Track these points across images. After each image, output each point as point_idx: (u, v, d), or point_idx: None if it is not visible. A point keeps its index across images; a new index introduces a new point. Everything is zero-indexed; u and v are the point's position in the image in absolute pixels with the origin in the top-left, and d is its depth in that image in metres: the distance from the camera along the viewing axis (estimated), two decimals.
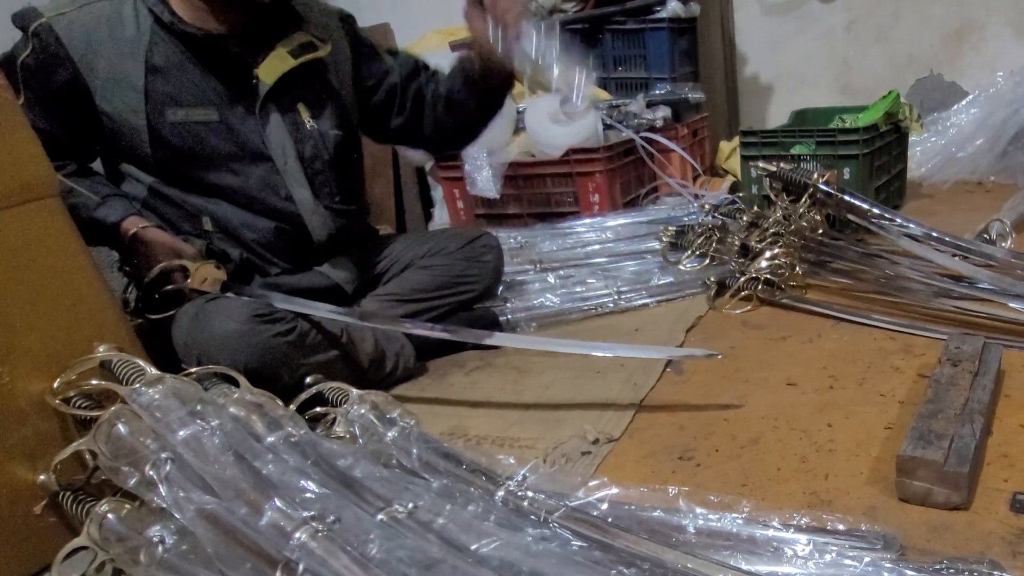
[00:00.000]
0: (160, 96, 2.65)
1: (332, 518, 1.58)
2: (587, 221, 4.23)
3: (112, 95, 2.62)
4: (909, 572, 1.56)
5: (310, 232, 2.93)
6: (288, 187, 2.83)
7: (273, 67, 2.78)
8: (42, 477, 1.90)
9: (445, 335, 2.83)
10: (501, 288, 3.49)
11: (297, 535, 1.50)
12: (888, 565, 1.59)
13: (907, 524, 1.82)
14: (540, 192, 4.55)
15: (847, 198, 3.48)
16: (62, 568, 1.80)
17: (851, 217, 3.50)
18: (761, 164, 3.78)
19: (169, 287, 2.64)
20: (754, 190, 4.16)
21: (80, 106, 2.64)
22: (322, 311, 2.70)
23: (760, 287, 3.38)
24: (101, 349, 2.01)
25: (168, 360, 2.46)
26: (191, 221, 2.78)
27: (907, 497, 1.90)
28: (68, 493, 1.92)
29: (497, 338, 2.80)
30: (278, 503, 1.58)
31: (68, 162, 2.70)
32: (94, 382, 1.95)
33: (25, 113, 2.09)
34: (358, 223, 3.20)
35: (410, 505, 1.73)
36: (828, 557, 1.63)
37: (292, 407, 2.13)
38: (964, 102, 5.54)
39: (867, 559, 1.61)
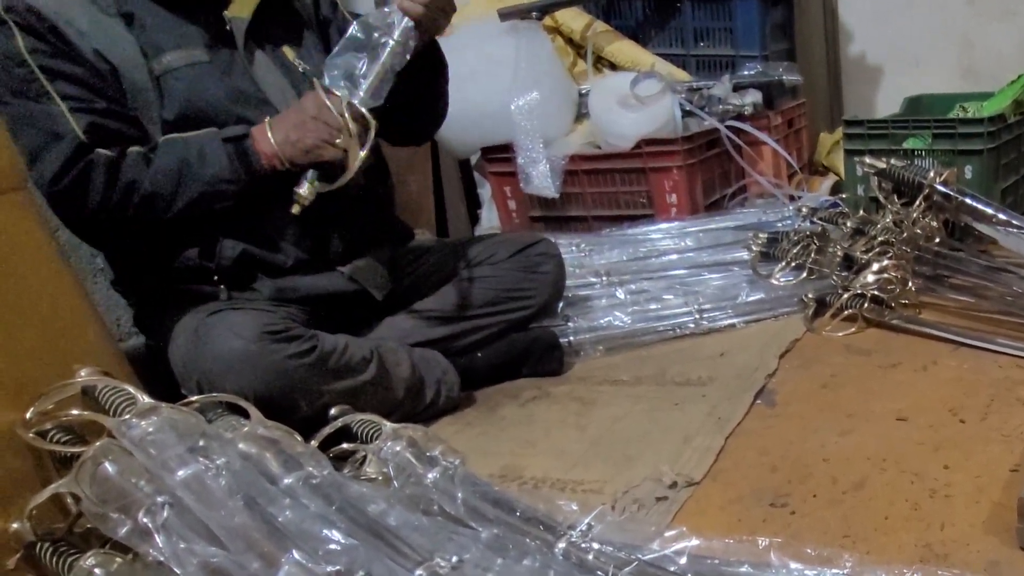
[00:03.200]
0: (147, 47, 2.62)
1: (361, 574, 1.60)
2: (663, 226, 4.21)
3: (111, 48, 2.57)
4: None
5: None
6: None
7: (243, 2, 2.76)
8: (15, 525, 1.83)
9: None
10: (562, 305, 3.48)
11: None
12: None
13: None
14: (607, 191, 4.52)
15: (968, 201, 3.49)
16: None
17: (973, 224, 3.52)
18: (868, 160, 3.81)
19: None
20: (860, 191, 4.17)
21: (107, 75, 2.59)
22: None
23: (866, 305, 3.37)
24: (83, 373, 1.94)
25: (167, 388, 2.46)
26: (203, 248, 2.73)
27: None
28: (47, 544, 1.85)
29: None
30: (296, 556, 1.58)
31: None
32: (75, 412, 1.90)
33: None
34: (383, 212, 3.17)
35: (454, 559, 1.73)
36: None
37: (313, 443, 2.14)
38: None
39: None
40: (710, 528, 2.11)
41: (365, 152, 2.58)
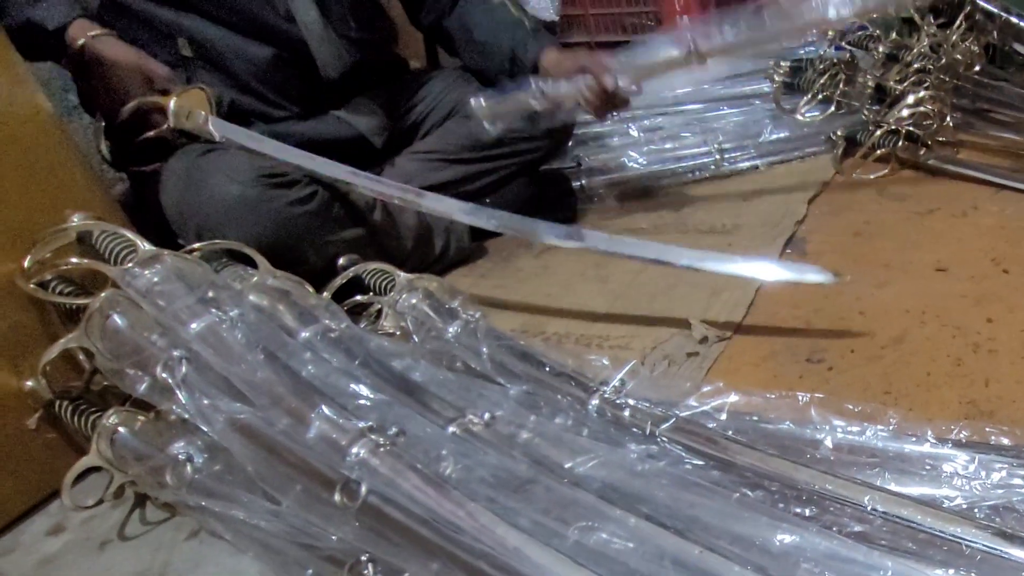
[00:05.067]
0: None
1: (394, 430, 1.67)
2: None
3: None
4: None
5: (318, 66, 2.92)
6: (288, 1, 2.80)
7: None
8: (30, 383, 1.98)
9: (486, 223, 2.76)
10: (571, 144, 3.54)
11: (355, 450, 1.59)
12: None
13: None
14: (611, 12, 4.53)
15: (1015, 20, 3.51)
16: (73, 493, 1.93)
17: (1019, 48, 3.54)
18: None
19: (149, 134, 2.61)
20: (893, 12, 3.99)
21: None
22: (330, 171, 2.66)
23: (900, 144, 3.41)
24: (76, 218, 2.03)
25: (161, 233, 2.48)
26: (163, 44, 2.73)
27: None
28: (65, 402, 2.00)
29: (591, 238, 2.73)
30: (327, 411, 1.67)
31: None
32: (74, 261, 1.99)
33: None
34: (381, 57, 3.21)
35: (487, 415, 1.83)
36: (996, 477, 1.75)
37: (326, 294, 2.22)
38: None
39: None
40: (745, 385, 2.17)
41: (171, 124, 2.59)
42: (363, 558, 1.57)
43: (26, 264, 1.95)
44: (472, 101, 2.91)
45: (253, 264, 2.20)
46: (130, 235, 1.99)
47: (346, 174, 2.66)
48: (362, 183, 2.70)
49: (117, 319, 1.86)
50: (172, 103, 2.55)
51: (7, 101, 1.99)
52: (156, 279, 1.88)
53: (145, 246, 1.96)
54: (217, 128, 2.60)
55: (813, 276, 2.51)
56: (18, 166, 1.99)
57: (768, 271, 2.62)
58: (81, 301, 1.93)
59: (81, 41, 2.48)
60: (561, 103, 2.84)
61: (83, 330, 1.87)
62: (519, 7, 3.18)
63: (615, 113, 3.00)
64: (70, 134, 2.18)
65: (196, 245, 2.17)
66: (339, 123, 3.01)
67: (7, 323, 1.97)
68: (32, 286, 1.95)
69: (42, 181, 2.04)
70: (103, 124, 2.63)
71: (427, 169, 3.09)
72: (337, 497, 1.55)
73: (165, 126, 2.56)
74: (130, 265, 1.90)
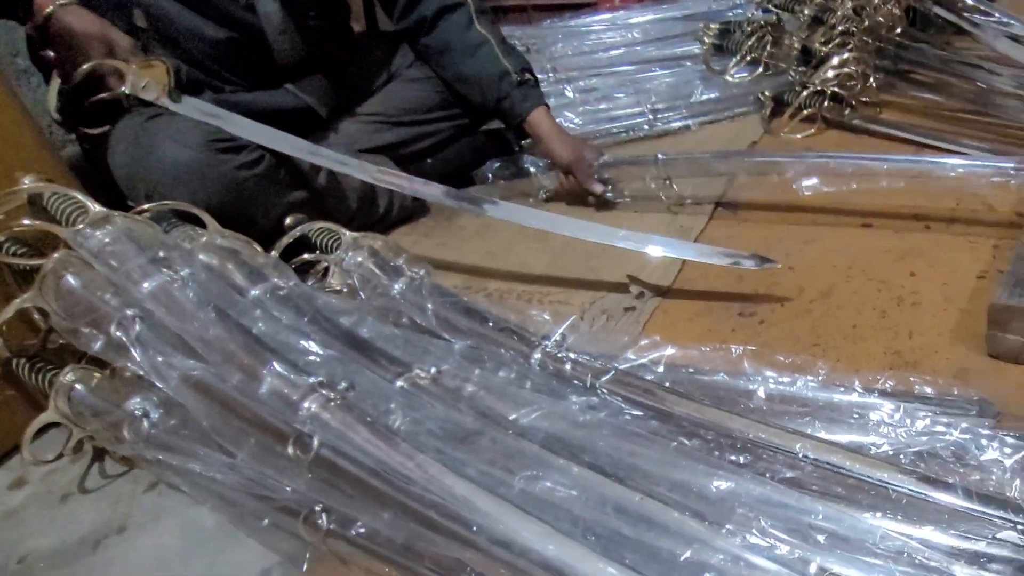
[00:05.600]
0: None
1: (344, 385, 1.69)
2: (606, 16, 4.20)
3: None
4: (1010, 440, 1.72)
5: (273, 53, 2.92)
6: None
7: None
8: None
9: (414, 190, 2.79)
10: None
11: (306, 405, 1.61)
12: (986, 433, 1.74)
13: (1003, 387, 1.95)
14: None
15: None
16: (33, 448, 1.96)
17: (938, 11, 3.54)
18: None
19: (103, 95, 2.60)
20: None
21: None
22: (281, 145, 2.68)
23: (826, 104, 3.45)
24: (26, 181, 2.04)
25: (110, 195, 2.50)
26: (118, 11, 2.69)
27: (999, 353, 2.07)
28: (23, 360, 2.03)
29: (490, 208, 2.73)
30: (278, 367, 1.68)
31: None
32: (26, 223, 1.99)
33: None
34: (336, 41, 3.19)
35: (433, 370, 1.87)
36: (920, 424, 1.79)
37: (274, 253, 2.23)
38: None
39: (963, 426, 1.76)
40: (680, 338, 2.19)
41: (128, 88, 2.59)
42: (317, 508, 1.61)
43: None
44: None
45: (202, 224, 2.21)
46: (81, 197, 2.00)
47: (306, 152, 2.70)
48: (325, 162, 2.75)
49: (70, 279, 1.87)
50: (132, 70, 2.54)
51: None
52: (107, 240, 1.89)
53: (96, 208, 1.96)
54: (175, 104, 2.61)
55: (746, 262, 2.52)
56: None
57: (687, 250, 2.66)
58: (34, 262, 1.93)
59: (49, 9, 2.46)
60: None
61: (37, 290, 1.89)
62: (503, 46, 3.18)
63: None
64: (19, 97, 2.18)
65: (146, 206, 2.18)
66: (287, 94, 3.00)
67: None
68: None
69: None
70: (58, 85, 2.61)
71: (370, 132, 3.11)
72: (290, 450, 1.59)
73: (121, 89, 2.55)
74: (81, 226, 1.91)
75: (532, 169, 3.02)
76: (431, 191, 2.74)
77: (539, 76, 3.62)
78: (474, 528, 1.42)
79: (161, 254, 1.92)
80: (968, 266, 2.46)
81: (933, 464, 1.72)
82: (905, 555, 1.47)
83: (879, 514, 1.55)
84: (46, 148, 2.18)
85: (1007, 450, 1.70)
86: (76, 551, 1.84)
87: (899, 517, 1.55)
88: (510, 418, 1.77)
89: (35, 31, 2.54)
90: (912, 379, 1.96)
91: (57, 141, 2.66)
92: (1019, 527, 1.51)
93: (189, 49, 2.78)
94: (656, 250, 2.58)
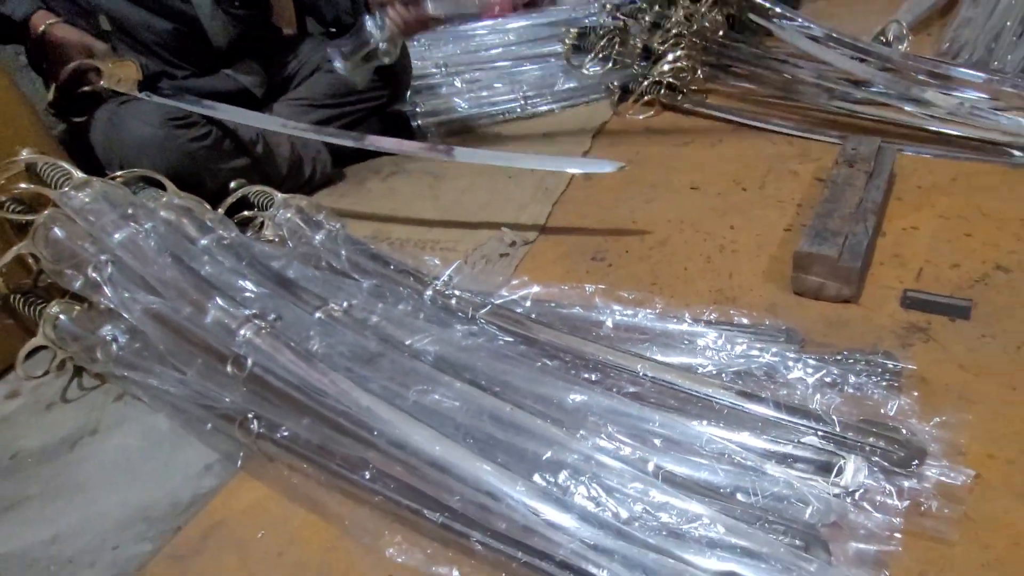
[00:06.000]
0: None
1: (273, 316, 1.75)
2: (488, 23, 4.16)
3: None
4: (812, 362, 1.75)
5: (209, 37, 2.90)
6: None
7: None
8: None
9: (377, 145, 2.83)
10: (410, 93, 3.52)
11: (242, 332, 1.68)
12: (792, 356, 1.77)
13: (806, 319, 1.99)
14: None
15: None
16: (25, 366, 2.05)
17: (752, 17, 3.54)
18: None
19: (85, 88, 2.64)
20: None
21: None
22: (238, 116, 2.73)
23: (663, 92, 3.47)
24: (24, 153, 2.10)
25: (91, 164, 2.53)
26: (87, 19, 2.71)
27: (802, 291, 2.08)
28: (18, 296, 2.08)
29: (458, 152, 2.76)
30: (220, 302, 1.74)
31: None
32: (23, 186, 2.05)
33: None
34: (260, 27, 3.16)
35: (345, 304, 1.89)
36: (738, 349, 1.81)
37: (220, 211, 2.26)
38: None
39: (773, 350, 1.79)
40: (545, 278, 2.21)
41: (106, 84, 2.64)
42: (249, 416, 1.67)
43: None
44: (336, 65, 2.89)
45: (162, 187, 2.24)
46: (67, 166, 2.07)
47: (264, 121, 2.81)
48: (273, 125, 2.82)
49: (57, 231, 1.95)
50: (107, 68, 2.61)
51: None
52: (87, 200, 1.96)
53: (78, 174, 2.05)
54: (141, 93, 2.67)
55: (608, 167, 2.62)
56: None
57: (575, 165, 2.81)
58: (29, 217, 2.01)
59: (42, 28, 2.53)
60: (392, 35, 2.87)
61: (31, 240, 1.97)
62: None
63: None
64: (19, 87, 2.22)
65: (118, 173, 2.22)
66: (228, 79, 3.01)
67: None
68: None
69: None
70: (53, 84, 2.67)
71: (298, 113, 3.08)
72: (229, 369, 1.66)
73: (100, 83, 2.60)
74: (67, 189, 1.98)
75: (372, 30, 2.95)
76: (411, 147, 2.83)
77: (433, 71, 3.79)
78: (375, 432, 1.50)
79: (129, 211, 1.99)
80: (776, 221, 2.48)
81: (749, 381, 1.74)
82: (726, 456, 1.50)
83: (705, 422, 1.56)
84: (40, 127, 2.22)
85: (809, 370, 1.73)
86: (57, 449, 1.88)
87: (721, 425, 1.56)
88: (406, 343, 1.79)
89: (32, 44, 2.59)
90: (732, 312, 1.99)
91: (49, 122, 2.64)
92: (819, 433, 1.53)
93: (144, 41, 2.80)
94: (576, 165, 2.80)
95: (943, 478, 1.47)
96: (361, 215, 2.81)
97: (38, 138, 2.17)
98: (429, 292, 2.06)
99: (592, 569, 1.29)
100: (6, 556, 1.60)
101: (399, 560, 1.46)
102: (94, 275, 1.89)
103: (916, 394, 1.67)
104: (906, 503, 1.43)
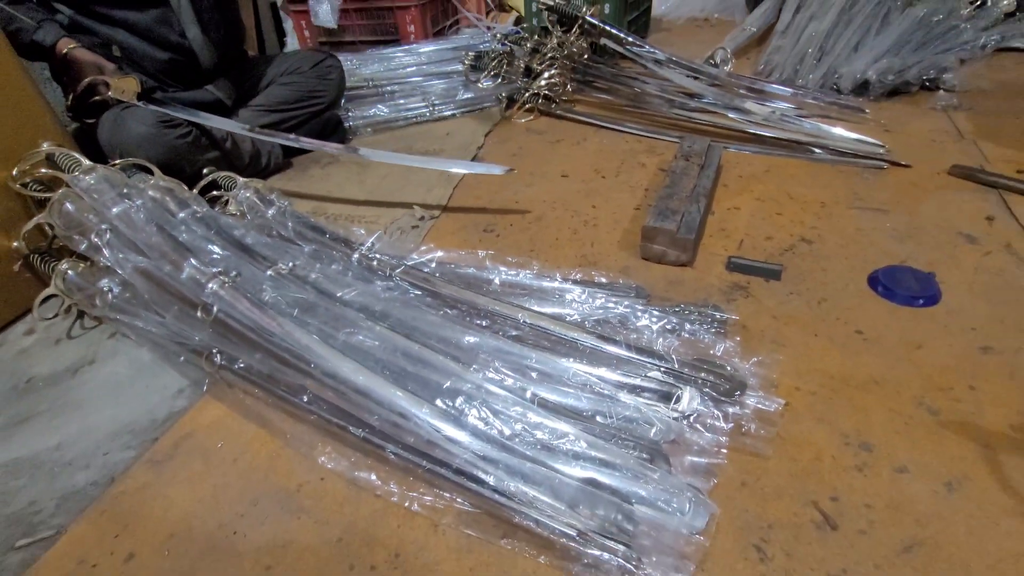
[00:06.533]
0: None
1: (234, 273, 1.73)
2: (405, 47, 4.12)
3: None
4: (656, 312, 1.73)
5: (199, 61, 2.87)
6: (183, 25, 2.77)
7: None
8: (15, 244, 2.06)
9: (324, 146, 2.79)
10: (344, 100, 3.46)
11: (210, 285, 1.66)
12: (640, 308, 1.75)
13: (651, 279, 1.96)
14: (368, 23, 4.39)
15: (608, 28, 3.50)
16: (40, 310, 2.04)
17: (610, 44, 3.52)
18: (541, 0, 3.75)
19: (96, 98, 2.61)
20: (535, 22, 4.08)
21: None
22: (213, 121, 2.70)
23: (540, 101, 3.43)
24: (45, 145, 2.08)
25: (97, 155, 2.47)
26: (103, 49, 2.69)
27: (648, 257, 2.05)
28: (36, 255, 2.07)
29: (363, 151, 2.72)
30: (194, 262, 1.73)
31: None
32: (44, 171, 2.04)
33: None
34: (236, 52, 3.13)
35: (290, 264, 1.87)
36: (597, 302, 1.78)
37: (195, 191, 2.21)
38: None
39: (625, 303, 1.77)
40: (447, 245, 2.18)
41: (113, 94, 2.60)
42: (214, 350, 1.68)
43: (14, 172, 2.04)
44: None
45: (151, 172, 2.24)
46: (78, 156, 2.09)
47: (232, 126, 2.75)
48: (238, 129, 2.75)
49: (68, 205, 1.95)
50: (114, 83, 2.59)
51: (7, 76, 2.06)
52: (92, 182, 1.97)
53: (86, 162, 2.06)
54: (139, 102, 2.64)
55: (496, 170, 2.57)
56: (11, 113, 2.06)
57: (469, 167, 2.68)
58: (47, 195, 2.03)
59: (65, 51, 2.53)
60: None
61: (48, 212, 1.98)
62: None
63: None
64: (43, 94, 2.21)
65: (117, 162, 2.21)
66: (207, 92, 2.95)
67: (3, 208, 2.04)
68: (18, 186, 2.04)
69: (26, 122, 2.10)
70: (70, 94, 2.64)
71: (257, 116, 3.03)
72: (199, 314, 1.67)
73: (108, 94, 2.59)
74: (77, 173, 1.99)
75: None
76: (331, 147, 2.80)
77: (362, 84, 3.73)
78: (312, 365, 1.51)
79: (124, 191, 2.00)
80: (628, 202, 2.44)
81: (606, 328, 1.72)
82: (588, 386, 1.48)
83: (571, 360, 1.54)
84: (58, 126, 2.21)
85: (654, 319, 1.72)
86: (63, 375, 1.86)
87: (584, 361, 1.54)
88: (337, 295, 1.78)
89: (56, 63, 2.59)
90: (593, 273, 1.97)
91: (66, 122, 2.59)
92: (662, 368, 1.52)
93: (146, 67, 2.77)
94: (458, 168, 2.69)
95: (760, 406, 1.47)
96: (304, 195, 2.75)
97: (56, 134, 2.17)
98: (356, 255, 2.02)
99: (481, 475, 1.29)
100: (20, 459, 1.59)
101: (329, 467, 1.47)
102: (96, 240, 1.89)
103: (738, 339, 1.68)
104: (730, 425, 1.43)
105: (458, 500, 1.33)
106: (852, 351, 1.65)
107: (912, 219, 2.19)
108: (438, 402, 1.40)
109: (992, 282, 1.87)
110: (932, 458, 1.37)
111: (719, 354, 1.61)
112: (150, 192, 2.04)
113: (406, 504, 1.36)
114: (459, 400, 1.41)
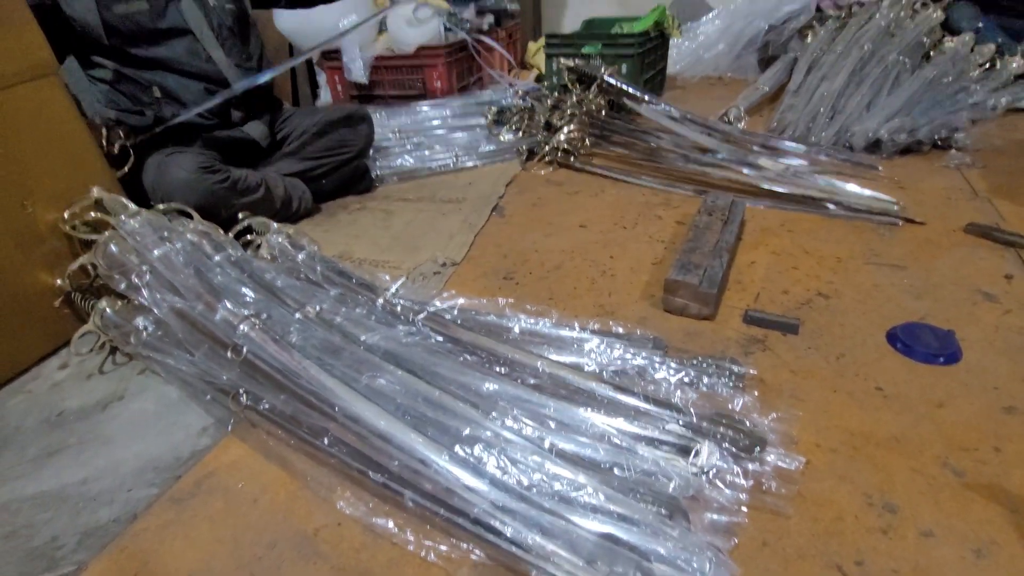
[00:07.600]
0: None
1: (264, 315, 1.72)
2: (431, 102, 4.16)
3: (72, 2, 2.53)
4: (673, 365, 1.67)
5: (229, 82, 2.87)
6: (207, 50, 2.79)
7: None
8: (59, 282, 2.08)
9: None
10: (372, 151, 3.45)
11: (241, 327, 1.64)
12: (658, 359, 1.69)
13: (669, 330, 1.90)
14: (398, 79, 4.46)
15: (624, 87, 3.50)
16: (77, 344, 2.02)
17: (627, 102, 3.51)
18: (561, 60, 3.81)
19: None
20: (555, 80, 4.08)
21: (51, 17, 2.52)
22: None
23: (559, 154, 3.40)
24: (95, 190, 2.11)
25: (141, 199, 2.50)
26: (145, 92, 2.73)
27: (670, 310, 1.99)
28: (77, 293, 2.09)
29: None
30: (227, 304, 1.72)
31: None
32: (92, 215, 2.07)
33: None
34: (266, 87, 3.12)
35: (317, 307, 1.84)
36: (615, 352, 1.72)
37: (230, 235, 2.22)
38: (711, 15, 5.60)
39: (643, 354, 1.71)
40: (468, 292, 2.15)
41: None
42: (240, 390, 1.65)
43: (66, 216, 2.08)
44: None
45: (190, 217, 2.24)
46: (124, 200, 2.12)
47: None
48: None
49: (112, 247, 1.98)
50: None
51: (64, 124, 2.12)
52: (136, 225, 1.99)
53: (132, 207, 2.09)
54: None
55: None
56: (66, 159, 2.11)
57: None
58: (93, 237, 2.06)
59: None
60: None
61: (93, 253, 2.01)
62: None
63: None
64: (94, 143, 2.25)
65: (160, 206, 2.26)
66: (243, 133, 2.99)
67: (50, 247, 2.07)
68: (68, 228, 2.07)
69: (79, 169, 2.15)
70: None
71: (290, 162, 3.08)
72: (229, 354, 1.65)
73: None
74: (122, 217, 2.02)
75: None
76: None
77: (390, 136, 3.76)
78: (335, 408, 1.48)
79: (166, 234, 2.01)
80: (647, 254, 2.39)
81: (624, 378, 1.67)
82: (605, 437, 1.43)
83: (589, 409, 1.49)
84: (108, 171, 2.27)
85: (671, 371, 1.67)
86: (92, 409, 1.84)
87: (601, 412, 1.49)
88: (361, 339, 1.74)
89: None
90: (611, 323, 1.91)
91: (113, 169, 2.55)
92: (680, 421, 1.47)
93: (184, 101, 2.78)
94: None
95: (780, 463, 1.40)
96: (331, 240, 2.73)
97: (105, 180, 2.21)
98: (380, 300, 1.99)
99: (499, 526, 1.23)
100: (47, 492, 1.56)
101: (347, 512, 1.43)
102: (135, 280, 1.90)
103: (756, 393, 1.61)
104: (750, 483, 1.36)
105: (475, 551, 1.27)
106: (872, 408, 1.58)
107: (929, 276, 2.12)
108: (457, 449, 1.35)
109: (1014, 341, 1.79)
110: (958, 521, 1.29)
111: (738, 408, 1.54)
112: (188, 236, 2.04)
113: (422, 553, 1.30)
114: (478, 448, 1.36)
